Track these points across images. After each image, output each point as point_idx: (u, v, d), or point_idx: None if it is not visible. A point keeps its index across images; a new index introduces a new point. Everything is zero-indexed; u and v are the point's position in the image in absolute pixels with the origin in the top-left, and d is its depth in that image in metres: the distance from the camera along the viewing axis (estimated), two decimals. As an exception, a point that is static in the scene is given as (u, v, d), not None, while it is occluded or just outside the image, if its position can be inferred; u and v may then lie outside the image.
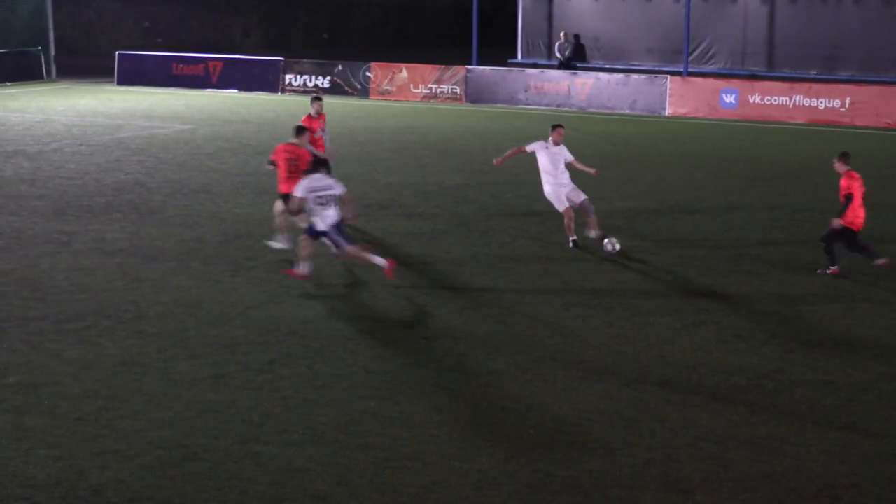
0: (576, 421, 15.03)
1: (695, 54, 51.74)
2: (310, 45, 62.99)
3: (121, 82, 54.50)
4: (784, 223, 26.26)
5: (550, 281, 21.50)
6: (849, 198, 21.52)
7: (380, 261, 21.04)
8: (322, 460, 13.87)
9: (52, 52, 57.86)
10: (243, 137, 38.38)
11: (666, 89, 44.97)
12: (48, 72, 57.39)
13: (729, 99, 44.06)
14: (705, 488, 13.16)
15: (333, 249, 21.22)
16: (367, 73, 50.14)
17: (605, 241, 22.63)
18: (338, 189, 21.14)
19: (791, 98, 43.47)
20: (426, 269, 22.33)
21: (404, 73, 49.56)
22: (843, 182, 21.68)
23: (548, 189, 24.18)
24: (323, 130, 26.67)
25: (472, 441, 14.40)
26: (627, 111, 45.05)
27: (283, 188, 22.82)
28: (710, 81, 46.11)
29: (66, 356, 17.40)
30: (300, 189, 20.98)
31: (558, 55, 53.13)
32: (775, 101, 43.62)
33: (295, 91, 50.96)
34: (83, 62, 57.99)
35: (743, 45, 52.28)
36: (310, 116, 26.59)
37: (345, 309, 19.88)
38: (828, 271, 21.83)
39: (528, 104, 46.92)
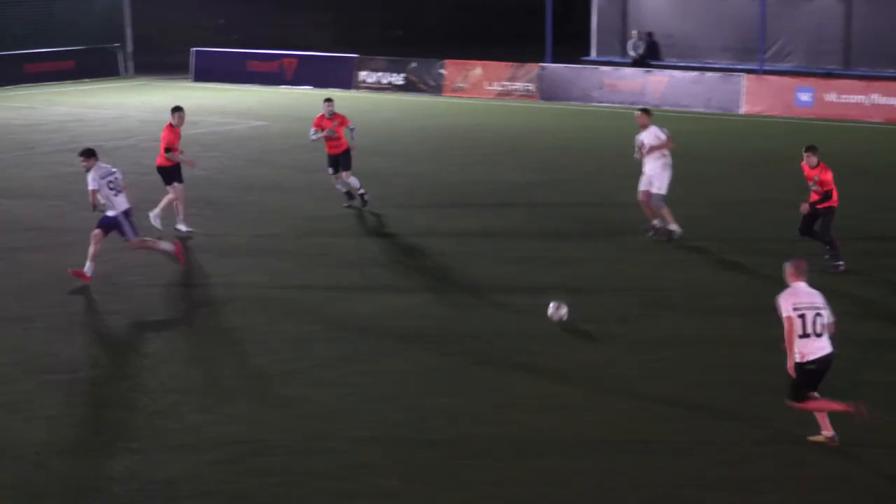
0: (642, 419, 15.00)
1: (770, 52, 51.33)
2: (383, 42, 63.07)
3: (196, 79, 54.86)
4: (859, 222, 25.95)
5: (620, 279, 21.43)
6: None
7: (167, 246, 21.44)
8: (392, 457, 13.95)
9: (129, 49, 58.35)
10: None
11: (741, 87, 44.65)
12: (125, 68, 57.92)
13: (804, 97, 43.67)
14: (778, 488, 13.11)
15: (125, 239, 21.27)
16: (441, 71, 50.15)
17: (552, 305, 18.62)
18: (119, 173, 21.27)
19: (868, 97, 43.00)
20: (494, 268, 22.33)
21: (478, 71, 49.51)
22: (822, 177, 21.49)
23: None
24: (351, 129, 27.11)
25: (540, 437, 14.41)
26: (702, 109, 44.75)
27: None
28: (786, 80, 45.72)
29: (142, 350, 17.61)
30: (93, 181, 20.95)
31: (632, 53, 52.96)
32: (852, 99, 43.17)
33: (369, 88, 51.08)
34: (159, 59, 58.37)
35: (818, 43, 51.81)
36: (322, 116, 27.14)
37: (415, 306, 19.92)
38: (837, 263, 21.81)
39: (601, 102, 46.71)
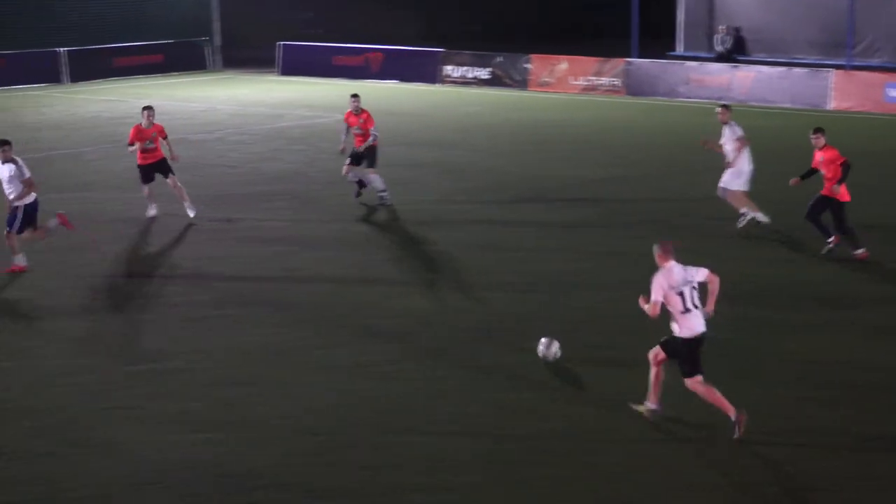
0: (707, 418, 14.89)
1: (859, 48, 50.70)
2: (469, 37, 63.09)
3: (283, 72, 55.21)
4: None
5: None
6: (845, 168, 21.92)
7: (52, 223, 21.84)
8: (474, 451, 13.95)
9: (217, 43, 58.88)
10: (401, 128, 38.64)
11: (829, 83, 44.19)
12: (212, 62, 58.42)
13: (894, 93, 43.14)
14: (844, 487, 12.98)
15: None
16: (527, 65, 50.06)
17: (542, 342, 16.84)
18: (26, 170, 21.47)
19: (959, 93, 42.48)
20: (575, 263, 22.26)
21: (564, 65, 49.38)
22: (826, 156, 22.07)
23: None
24: (374, 136, 27.03)
25: (621, 433, 14.35)
26: (789, 105, 44.33)
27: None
28: (875, 75, 45.15)
29: (225, 342, 17.74)
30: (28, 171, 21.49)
31: (719, 47, 52.55)
32: (942, 95, 42.65)
33: (454, 82, 51.12)
34: (246, 53, 58.83)
35: (909, 39, 51.14)
36: (350, 113, 27.22)
37: (494, 300, 19.90)
38: (829, 241, 22.33)
39: (687, 97, 46.42)
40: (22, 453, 13.92)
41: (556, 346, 16.64)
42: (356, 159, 27.04)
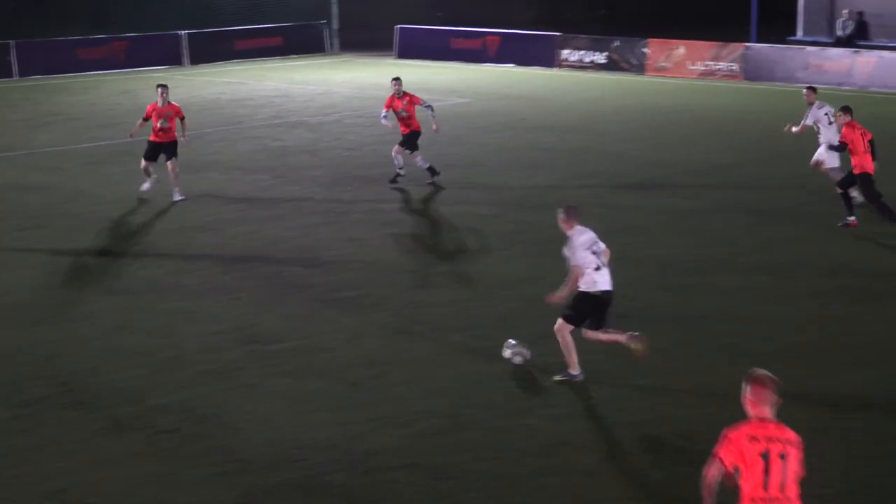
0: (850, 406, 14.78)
1: (984, 32, 49.85)
2: (586, 21, 62.91)
3: (400, 55, 55.43)
4: None
5: (826, 261, 21.09)
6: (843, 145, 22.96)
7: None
8: (590, 436, 13.98)
9: (335, 26, 59.25)
10: (517, 112, 38.66)
11: (952, 69, 43.50)
12: (330, 45, 58.83)
13: None
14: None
15: None
16: (644, 50, 49.80)
17: (510, 344, 16.33)
18: None
19: None
20: (698, 248, 22.16)
21: (681, 50, 49.03)
22: (844, 131, 22.89)
23: None
24: (429, 108, 27.39)
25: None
26: (911, 91, 43.70)
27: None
28: None
29: (342, 323, 17.91)
30: None
31: (840, 32, 51.89)
32: None
33: (571, 66, 50.98)
34: (364, 36, 59.12)
35: None
36: (393, 97, 27.43)
37: (618, 286, 19.81)
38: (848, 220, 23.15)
39: (807, 83, 45.85)
40: (149, 429, 14.21)
41: (520, 351, 16.13)
42: (407, 145, 27.16)
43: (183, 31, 53.56)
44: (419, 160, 27.11)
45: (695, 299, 19.11)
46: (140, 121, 26.21)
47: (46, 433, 14.10)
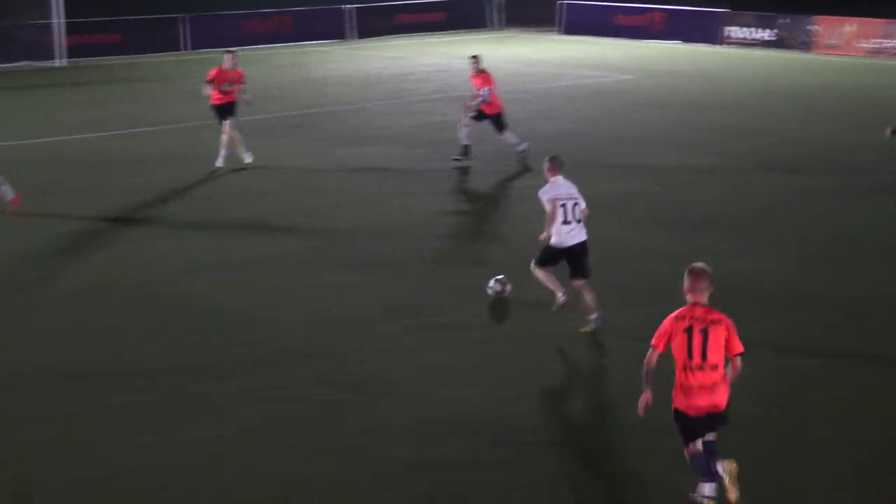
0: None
1: None
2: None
3: (565, 31, 55.28)
4: None
5: None
6: None
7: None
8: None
9: (500, 1, 59.25)
10: (680, 89, 38.29)
11: None
12: (494, 20, 58.87)
13: None
14: None
15: None
16: (812, 27, 48.95)
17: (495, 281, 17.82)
18: None
19: None
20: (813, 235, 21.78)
21: (851, 27, 48.08)
22: None
23: None
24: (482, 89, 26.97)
25: (826, 412, 14.07)
26: None
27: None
28: None
29: (506, 300, 17.79)
30: None
31: None
32: None
33: (737, 43, 50.31)
34: (530, 11, 58.96)
35: None
36: (473, 74, 27.31)
37: (762, 271, 19.63)
38: None
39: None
40: (308, 399, 14.43)
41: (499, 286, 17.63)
42: (480, 117, 27.07)
43: (349, 6, 54.04)
44: (508, 136, 26.91)
45: (831, 285, 18.76)
46: (208, 87, 26.76)
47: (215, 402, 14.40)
